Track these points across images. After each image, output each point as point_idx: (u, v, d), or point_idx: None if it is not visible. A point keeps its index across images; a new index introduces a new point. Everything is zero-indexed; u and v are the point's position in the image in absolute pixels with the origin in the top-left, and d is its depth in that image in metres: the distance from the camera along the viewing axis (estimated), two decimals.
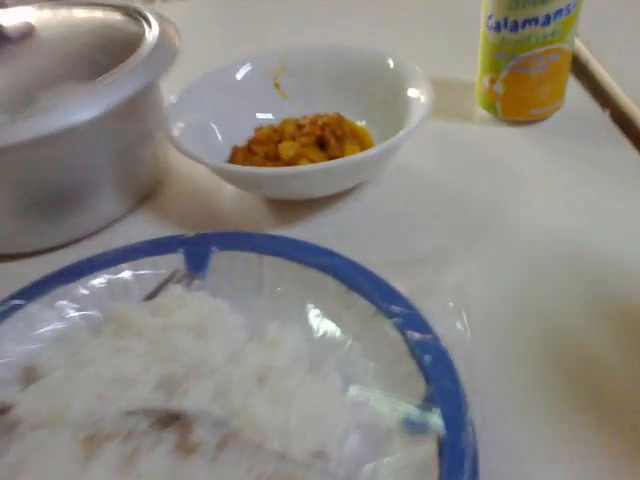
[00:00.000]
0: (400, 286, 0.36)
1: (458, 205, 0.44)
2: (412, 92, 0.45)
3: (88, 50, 0.43)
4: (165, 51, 0.44)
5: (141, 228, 0.45)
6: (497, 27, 0.47)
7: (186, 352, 0.31)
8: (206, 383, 0.30)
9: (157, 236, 0.41)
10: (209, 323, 0.33)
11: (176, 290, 0.35)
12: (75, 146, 0.41)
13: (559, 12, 0.45)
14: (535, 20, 0.45)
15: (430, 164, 0.48)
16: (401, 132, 0.41)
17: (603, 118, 0.51)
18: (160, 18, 0.47)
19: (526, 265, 0.38)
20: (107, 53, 0.43)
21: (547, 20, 0.45)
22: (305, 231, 0.43)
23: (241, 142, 0.49)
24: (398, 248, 0.41)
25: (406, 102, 0.45)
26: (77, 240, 0.44)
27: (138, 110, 0.44)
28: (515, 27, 0.46)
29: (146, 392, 0.30)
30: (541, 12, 0.45)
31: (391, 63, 0.48)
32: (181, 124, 0.45)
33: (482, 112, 0.53)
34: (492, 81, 0.51)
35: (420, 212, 0.43)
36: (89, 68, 0.41)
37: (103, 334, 0.34)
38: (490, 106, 0.52)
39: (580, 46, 0.61)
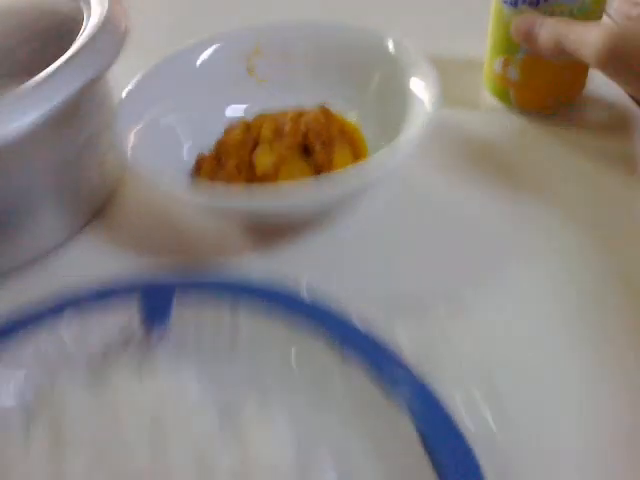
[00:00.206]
0: (404, 344, 0.29)
1: (470, 227, 0.36)
2: (414, 84, 0.37)
3: (8, 41, 0.34)
4: (111, 36, 0.35)
5: (88, 256, 0.37)
6: (515, 1, 0.39)
7: (140, 458, 0.24)
8: None
9: (104, 269, 0.34)
10: (170, 411, 0.26)
11: (125, 376, 0.28)
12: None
13: None
14: None
15: (433, 170, 0.40)
16: (402, 142, 0.33)
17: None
18: None
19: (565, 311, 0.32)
20: (35, 43, 0.34)
21: None
22: (285, 260, 0.36)
23: (209, 141, 0.40)
24: (399, 285, 0.34)
25: (406, 96, 0.37)
26: (7, 273, 0.36)
27: (80, 113, 0.35)
28: (536, 0, 0.38)
29: None
30: None
31: (390, 46, 0.40)
32: (135, 129, 0.36)
33: (491, 100, 0.45)
34: (506, 64, 0.42)
35: (424, 236, 0.36)
36: (11, 64, 0.32)
37: (34, 438, 0.26)
38: (502, 94, 0.44)
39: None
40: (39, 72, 0.31)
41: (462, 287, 0.33)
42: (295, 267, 0.35)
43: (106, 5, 0.36)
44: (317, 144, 0.36)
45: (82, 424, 0.26)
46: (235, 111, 0.43)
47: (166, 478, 0.24)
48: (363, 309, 0.31)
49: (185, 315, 0.31)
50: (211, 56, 0.43)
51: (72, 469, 0.24)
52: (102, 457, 0.25)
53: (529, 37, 0.38)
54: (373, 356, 0.28)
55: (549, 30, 0.36)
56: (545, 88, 0.43)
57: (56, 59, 0.32)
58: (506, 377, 0.29)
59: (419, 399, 0.26)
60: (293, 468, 0.26)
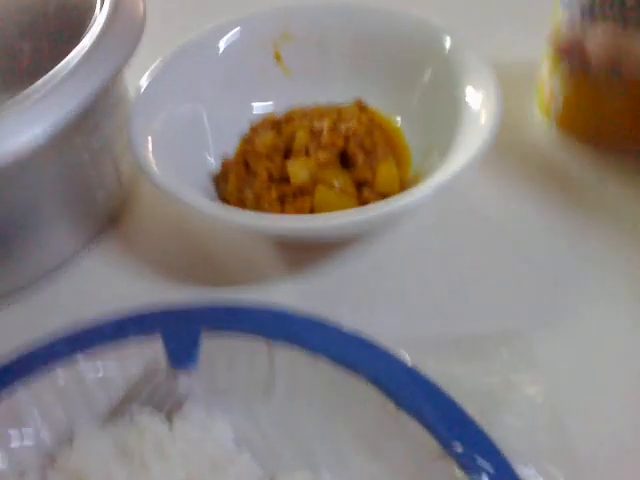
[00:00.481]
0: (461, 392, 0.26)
1: (526, 253, 0.33)
2: (471, 93, 0.32)
3: (6, 35, 0.29)
4: (126, 28, 0.31)
5: (103, 268, 0.34)
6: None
7: None
8: None
9: (119, 284, 0.32)
10: (204, 462, 0.23)
11: (153, 425, 0.24)
12: (5, 177, 0.28)
13: None
14: None
15: (488, 188, 0.36)
16: (456, 166, 0.29)
17: None
18: None
19: None
20: (37, 37, 0.29)
21: None
22: (323, 286, 0.32)
23: (233, 141, 0.36)
24: (450, 322, 0.30)
25: (460, 105, 0.33)
26: (14, 292, 0.33)
27: (95, 115, 0.31)
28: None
29: None
30: None
31: (447, 42, 0.35)
32: (151, 132, 0.32)
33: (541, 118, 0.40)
34: (549, 75, 0.36)
35: (477, 263, 0.32)
36: (11, 62, 0.28)
37: None
38: (547, 110, 0.38)
39: None
40: (48, 66, 0.27)
41: (524, 327, 0.29)
42: (332, 290, 0.32)
43: None
44: (360, 155, 0.32)
45: (104, 473, 0.23)
46: (261, 107, 0.39)
47: None
48: (412, 349, 0.28)
49: (215, 352, 0.28)
50: (233, 43, 0.38)
51: None
52: None
53: None
54: (431, 408, 0.25)
55: None
56: (595, 115, 0.34)
57: (67, 49, 0.28)
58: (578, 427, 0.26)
59: (482, 456, 0.23)
60: None
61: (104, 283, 0.34)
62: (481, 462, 0.23)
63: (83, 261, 0.34)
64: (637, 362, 0.28)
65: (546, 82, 0.36)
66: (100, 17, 0.30)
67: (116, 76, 0.29)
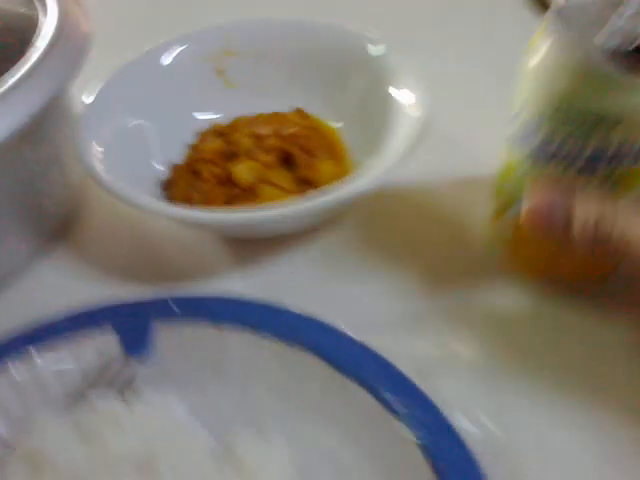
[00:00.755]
0: (406, 364, 0.28)
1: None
2: (400, 93, 0.35)
3: None
4: (71, 44, 0.32)
5: (50, 282, 0.35)
6: (524, 137, 0.27)
7: None
8: None
9: (74, 292, 0.32)
10: (159, 450, 0.24)
11: (107, 399, 0.26)
12: None
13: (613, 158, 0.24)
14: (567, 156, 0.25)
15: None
16: (390, 156, 0.31)
17: None
18: None
19: None
20: None
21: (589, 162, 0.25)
22: (270, 277, 0.34)
23: (179, 150, 0.38)
24: (389, 303, 0.32)
25: (391, 104, 0.36)
26: None
27: (42, 128, 0.32)
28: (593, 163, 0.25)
29: None
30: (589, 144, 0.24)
31: (375, 51, 0.38)
32: (98, 141, 0.34)
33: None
34: (499, 212, 0.31)
35: (413, 245, 0.35)
36: None
37: (12, 472, 0.24)
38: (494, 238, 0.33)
39: None
40: None
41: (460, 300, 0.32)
42: (279, 280, 0.33)
43: (64, 7, 0.33)
44: (301, 155, 0.35)
45: (65, 455, 0.24)
46: (206, 118, 0.41)
47: None
48: (356, 323, 0.30)
49: (167, 339, 0.29)
50: (176, 59, 0.41)
51: None
52: None
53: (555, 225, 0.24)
54: (370, 370, 0.27)
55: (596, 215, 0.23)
56: (544, 265, 0.31)
57: (7, 66, 0.30)
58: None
59: (420, 411, 0.25)
60: None
61: (57, 289, 0.34)
62: (420, 417, 0.25)
63: (35, 269, 0.35)
64: None
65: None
66: (45, 35, 0.32)
67: (61, 90, 0.31)
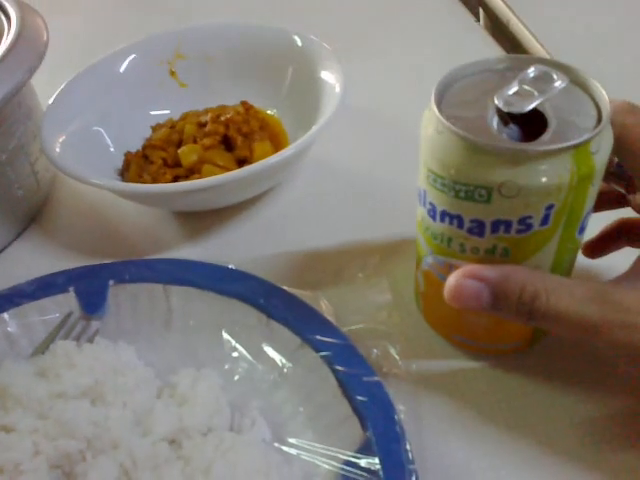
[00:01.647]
0: (326, 311, 0.32)
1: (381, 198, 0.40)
2: (324, 74, 0.40)
3: None
4: (30, 48, 0.37)
5: (24, 261, 0.39)
6: (419, 197, 0.27)
7: (81, 424, 0.26)
8: (108, 460, 0.26)
9: (45, 268, 0.36)
10: (107, 383, 0.28)
11: (64, 346, 0.30)
12: None
13: (503, 224, 0.23)
14: (458, 219, 0.24)
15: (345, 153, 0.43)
16: (314, 127, 0.36)
17: None
18: (21, 6, 0.40)
19: None
20: None
21: (480, 229, 0.24)
22: (217, 246, 0.38)
23: (137, 145, 0.43)
24: (320, 263, 0.36)
25: (318, 85, 0.41)
26: None
27: (6, 123, 0.37)
28: (434, 213, 0.25)
29: None
30: (467, 211, 0.24)
31: (298, 41, 0.43)
32: (61, 135, 0.38)
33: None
34: (417, 265, 0.30)
35: (341, 215, 0.39)
36: None
37: None
38: (417, 297, 0.32)
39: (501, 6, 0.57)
40: None
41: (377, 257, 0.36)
42: (224, 248, 0.38)
43: (24, 17, 0.38)
44: (238, 137, 0.39)
45: (27, 390, 0.28)
46: (162, 115, 0.45)
47: (109, 446, 0.26)
48: (288, 278, 0.34)
49: (121, 299, 0.33)
50: (133, 62, 0.45)
51: (19, 426, 0.26)
52: (46, 432, 0.27)
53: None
54: (294, 314, 0.31)
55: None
56: (448, 320, 0.30)
57: None
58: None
59: (338, 349, 0.29)
60: (226, 426, 0.28)
61: (30, 268, 0.38)
62: (330, 343, 0.29)
63: (8, 251, 0.40)
64: None
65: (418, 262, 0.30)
66: (4, 42, 0.37)
67: (14, 94, 0.35)
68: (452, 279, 0.24)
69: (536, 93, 0.22)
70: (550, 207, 0.22)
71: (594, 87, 0.23)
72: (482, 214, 0.23)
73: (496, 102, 0.22)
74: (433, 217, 0.25)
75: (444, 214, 0.25)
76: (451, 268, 0.26)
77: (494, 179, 0.22)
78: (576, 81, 0.23)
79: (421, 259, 0.29)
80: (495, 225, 0.23)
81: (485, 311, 0.24)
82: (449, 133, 0.22)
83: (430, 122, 0.24)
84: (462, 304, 0.24)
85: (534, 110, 0.22)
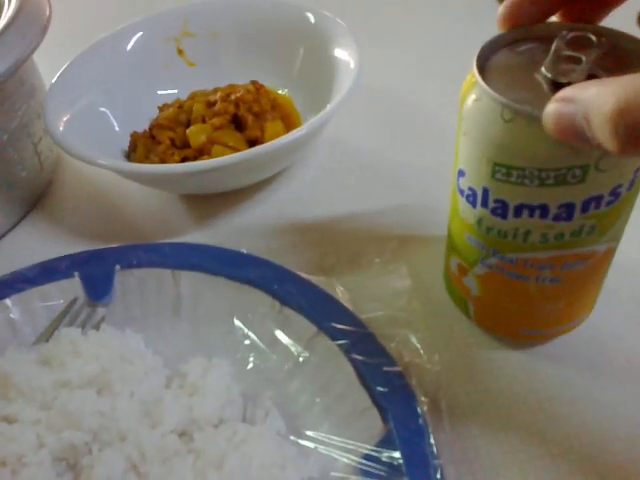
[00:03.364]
0: (342, 298, 0.31)
1: (398, 180, 0.38)
2: (339, 52, 0.38)
3: None
4: (31, 22, 0.35)
5: (27, 246, 0.38)
6: (472, 197, 0.24)
7: (87, 415, 0.25)
8: (115, 453, 0.24)
9: (49, 253, 0.34)
10: (114, 372, 0.27)
11: (69, 333, 0.28)
12: None
13: (594, 200, 0.22)
14: (542, 209, 0.22)
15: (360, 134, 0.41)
16: (329, 105, 0.34)
17: None
18: None
19: None
20: None
21: (569, 213, 0.22)
22: (227, 231, 0.37)
23: (143, 126, 0.41)
24: (335, 247, 0.35)
25: (332, 64, 0.39)
26: None
27: (7, 101, 0.35)
28: (503, 210, 0.23)
29: (41, 475, 0.24)
30: (555, 198, 0.22)
31: (311, 17, 0.41)
32: (65, 114, 0.37)
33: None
34: (462, 271, 0.28)
35: (357, 198, 0.37)
36: None
37: None
38: (461, 303, 0.30)
39: None
40: None
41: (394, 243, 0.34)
42: (235, 232, 0.36)
43: None
44: (249, 117, 0.38)
45: (29, 379, 0.26)
46: (169, 94, 0.44)
47: (117, 438, 0.25)
48: (302, 263, 0.33)
49: (128, 285, 0.32)
50: (140, 40, 0.44)
51: (22, 417, 0.25)
52: (50, 423, 0.25)
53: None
54: (310, 300, 0.29)
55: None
56: (514, 316, 0.28)
57: None
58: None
59: (356, 337, 0.28)
60: (239, 417, 0.27)
61: (34, 251, 0.37)
62: (347, 331, 0.28)
63: (11, 238, 0.38)
64: None
65: (456, 272, 0.29)
66: (3, 15, 0.35)
67: (16, 70, 0.33)
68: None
69: (583, 58, 0.20)
70: (638, 169, 0.21)
71: (633, 41, 0.21)
72: (573, 196, 0.21)
73: (548, 75, 0.20)
74: (502, 215, 0.23)
75: (521, 208, 0.22)
76: (526, 264, 0.24)
77: (591, 154, 0.20)
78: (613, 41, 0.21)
79: (475, 262, 0.26)
80: (586, 204, 0.22)
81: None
82: (526, 119, 0.20)
83: (489, 112, 0.21)
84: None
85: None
